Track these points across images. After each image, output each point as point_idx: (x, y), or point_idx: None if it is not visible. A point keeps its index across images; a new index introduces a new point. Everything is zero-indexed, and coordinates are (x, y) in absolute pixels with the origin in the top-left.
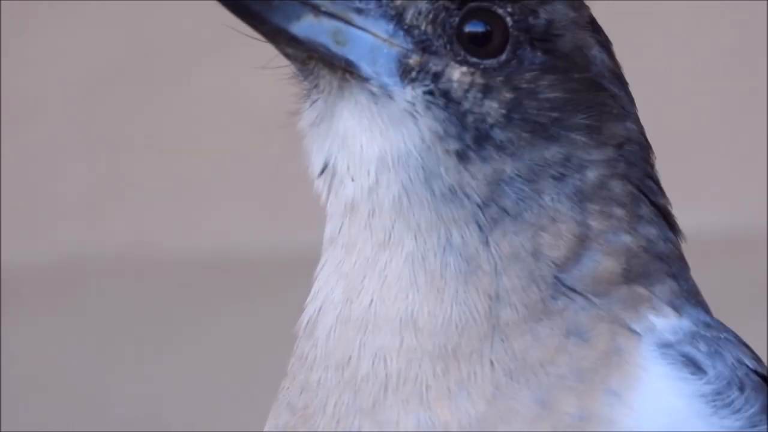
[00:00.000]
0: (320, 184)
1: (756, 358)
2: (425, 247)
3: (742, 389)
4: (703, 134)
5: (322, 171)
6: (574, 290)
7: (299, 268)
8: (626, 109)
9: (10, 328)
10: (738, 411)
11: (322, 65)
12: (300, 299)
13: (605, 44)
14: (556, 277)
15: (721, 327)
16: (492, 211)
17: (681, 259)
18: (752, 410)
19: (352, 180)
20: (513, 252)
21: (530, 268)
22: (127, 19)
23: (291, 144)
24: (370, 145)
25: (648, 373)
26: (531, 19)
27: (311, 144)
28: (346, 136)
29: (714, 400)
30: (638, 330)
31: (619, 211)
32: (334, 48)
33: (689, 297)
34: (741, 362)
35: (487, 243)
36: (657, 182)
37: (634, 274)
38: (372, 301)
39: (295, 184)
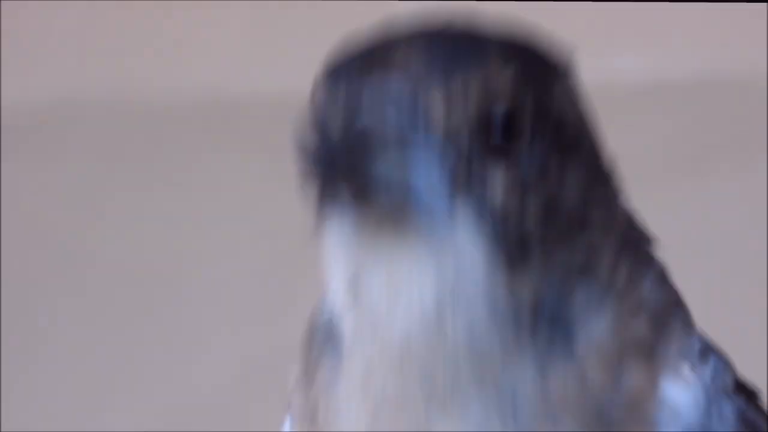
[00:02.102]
0: (351, 320)
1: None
2: (495, 401)
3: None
4: None
5: (355, 303)
6: (617, 421)
7: (290, 113)
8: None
9: None
10: None
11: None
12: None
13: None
14: (602, 397)
15: (710, 348)
16: (543, 333)
17: (666, 278)
18: None
19: (404, 319)
20: (567, 386)
21: (581, 406)
22: None
23: None
24: (426, 276)
25: None
26: (544, 97)
27: (338, 265)
28: (394, 266)
29: None
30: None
31: (631, 297)
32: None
33: (685, 328)
34: (730, 398)
35: (543, 378)
36: (633, 217)
37: (650, 359)
38: None
39: (288, 29)
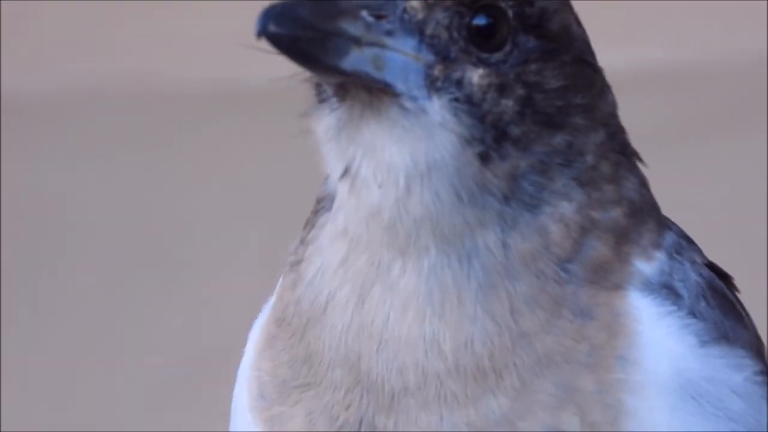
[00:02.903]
0: (341, 187)
1: (701, 252)
2: (448, 258)
3: (707, 299)
4: None
5: (343, 175)
6: (577, 277)
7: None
8: (605, 80)
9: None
10: (710, 328)
11: (360, 87)
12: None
13: (577, 17)
14: (563, 269)
15: (680, 233)
16: (513, 207)
17: (647, 188)
18: (716, 313)
19: (379, 187)
20: (529, 252)
21: (542, 267)
22: None
23: None
24: (400, 155)
25: (643, 326)
26: (527, 9)
27: (331, 149)
28: (375, 147)
29: (694, 329)
30: (628, 286)
31: (609, 189)
32: (375, 74)
33: (659, 226)
34: (696, 265)
35: (505, 245)
36: (624, 131)
37: (622, 240)
38: (388, 318)
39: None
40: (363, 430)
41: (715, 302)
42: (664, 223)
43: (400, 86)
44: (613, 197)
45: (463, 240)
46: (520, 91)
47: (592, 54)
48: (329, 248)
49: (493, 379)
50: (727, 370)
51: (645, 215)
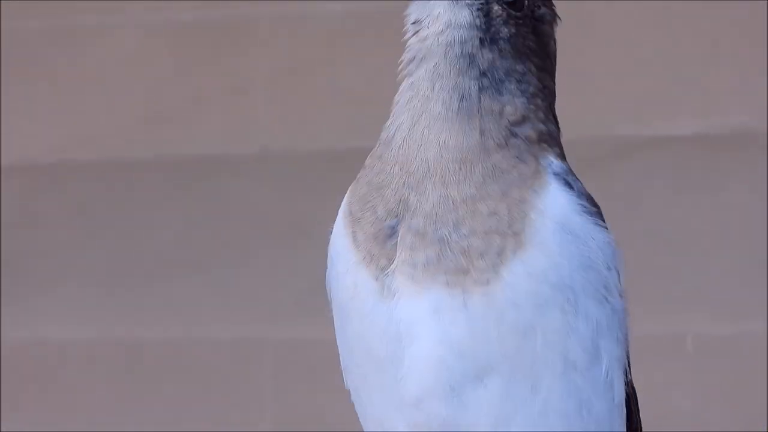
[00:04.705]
0: (410, 30)
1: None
2: (453, 92)
3: (587, 198)
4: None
5: (414, 22)
6: (519, 137)
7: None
8: (554, 69)
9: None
10: (587, 208)
11: None
12: None
13: (555, 39)
14: (512, 129)
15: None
16: (487, 79)
17: (559, 140)
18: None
19: (428, 27)
20: (492, 108)
21: (499, 120)
22: None
23: None
24: (445, 14)
25: (550, 183)
26: (538, 9)
27: (412, 8)
28: (434, 8)
29: (578, 204)
30: (546, 164)
31: (540, 111)
32: None
33: (563, 153)
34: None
35: (479, 99)
36: (554, 110)
37: (543, 140)
38: (424, 130)
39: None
40: (400, 208)
41: (593, 205)
42: (566, 159)
43: None
44: (542, 118)
45: (463, 81)
46: (512, 29)
47: (555, 59)
48: (400, 103)
49: (469, 168)
50: (593, 229)
51: (558, 144)
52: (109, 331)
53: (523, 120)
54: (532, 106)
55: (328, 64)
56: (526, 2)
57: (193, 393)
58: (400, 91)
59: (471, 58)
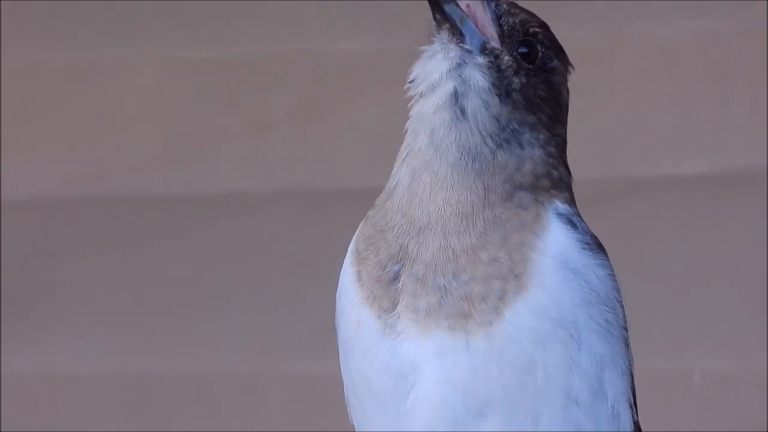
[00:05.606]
0: (411, 90)
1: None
2: (463, 155)
3: (592, 238)
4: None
5: (412, 81)
6: (525, 187)
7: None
8: (566, 118)
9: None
10: (590, 245)
11: (448, 30)
12: None
13: (568, 89)
14: (518, 180)
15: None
16: (504, 135)
17: (570, 185)
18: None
19: (433, 91)
20: (500, 162)
21: (509, 175)
22: None
23: None
24: (450, 75)
25: (552, 225)
26: (550, 61)
27: (420, 63)
28: (438, 68)
29: (579, 241)
30: (549, 208)
31: (551, 159)
32: (459, 24)
33: (573, 200)
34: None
35: (494, 156)
36: (565, 156)
37: (553, 187)
38: (427, 187)
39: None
40: (401, 255)
41: (596, 243)
42: (575, 203)
43: (467, 39)
44: (553, 164)
45: (476, 144)
46: (524, 80)
47: (567, 108)
48: (400, 159)
49: (471, 222)
50: (594, 265)
51: (568, 189)
52: (120, 365)
53: (532, 170)
54: (543, 156)
55: (347, 102)
56: (540, 54)
57: (204, 428)
58: (403, 150)
59: (489, 118)
